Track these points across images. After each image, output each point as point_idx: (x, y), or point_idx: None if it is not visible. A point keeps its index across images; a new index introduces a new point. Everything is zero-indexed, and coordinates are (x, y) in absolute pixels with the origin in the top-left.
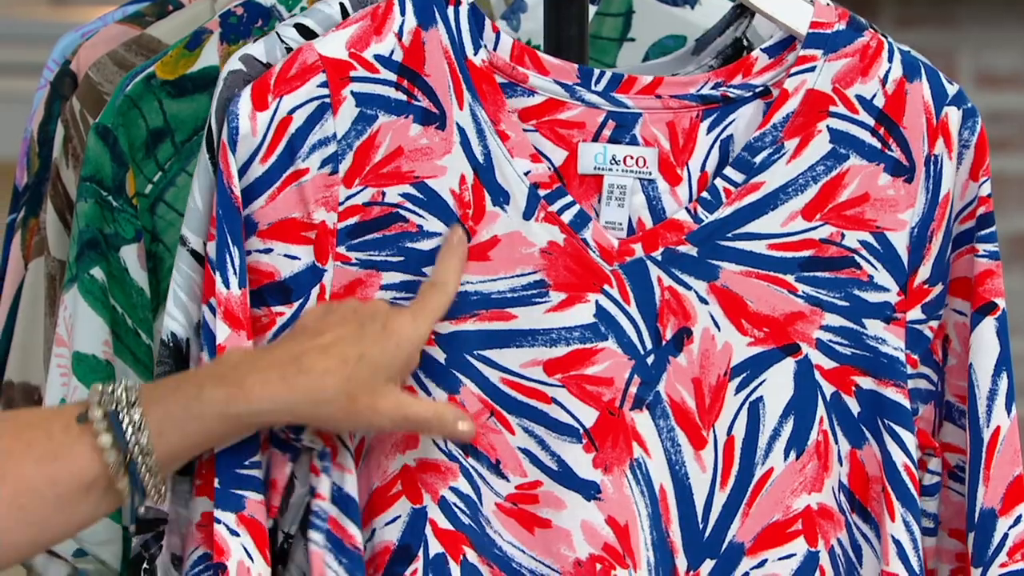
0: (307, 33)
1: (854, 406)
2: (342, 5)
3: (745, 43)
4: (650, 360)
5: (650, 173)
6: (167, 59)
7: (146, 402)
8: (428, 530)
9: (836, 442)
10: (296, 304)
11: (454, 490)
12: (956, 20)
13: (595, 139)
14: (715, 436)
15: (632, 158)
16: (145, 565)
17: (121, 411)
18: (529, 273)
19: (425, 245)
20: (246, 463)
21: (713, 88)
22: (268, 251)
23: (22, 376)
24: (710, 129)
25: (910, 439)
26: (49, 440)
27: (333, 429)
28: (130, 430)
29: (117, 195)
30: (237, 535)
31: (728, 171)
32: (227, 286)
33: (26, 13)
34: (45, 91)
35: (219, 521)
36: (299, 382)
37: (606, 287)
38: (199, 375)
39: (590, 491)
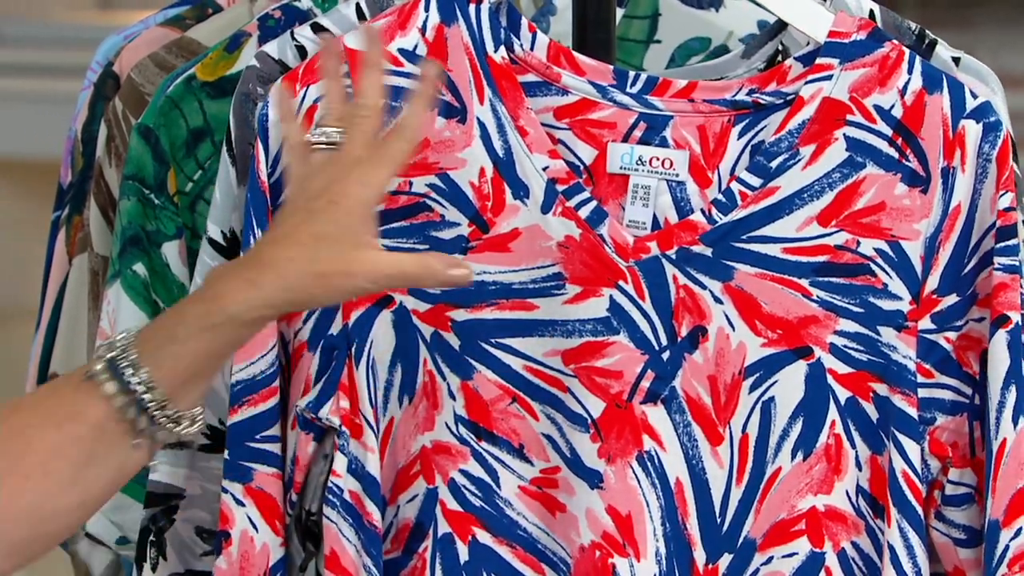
0: (322, 32)
1: (873, 412)
2: (358, 6)
3: (780, 48)
4: (665, 356)
5: (677, 175)
6: (207, 61)
7: (140, 342)
8: (438, 510)
9: (853, 446)
10: None
11: (464, 473)
12: (973, 22)
13: (625, 140)
14: (731, 433)
15: (658, 159)
16: (152, 538)
17: (119, 357)
18: (548, 265)
19: (446, 234)
20: (257, 437)
21: (747, 94)
22: None
23: (67, 368)
24: (741, 134)
25: (912, 447)
26: (63, 404)
27: (321, 305)
28: (129, 371)
29: (159, 193)
30: (243, 505)
31: (744, 175)
32: None
33: (74, 17)
34: (88, 92)
35: (226, 491)
36: (266, 278)
37: (621, 283)
38: (181, 302)
39: (594, 480)
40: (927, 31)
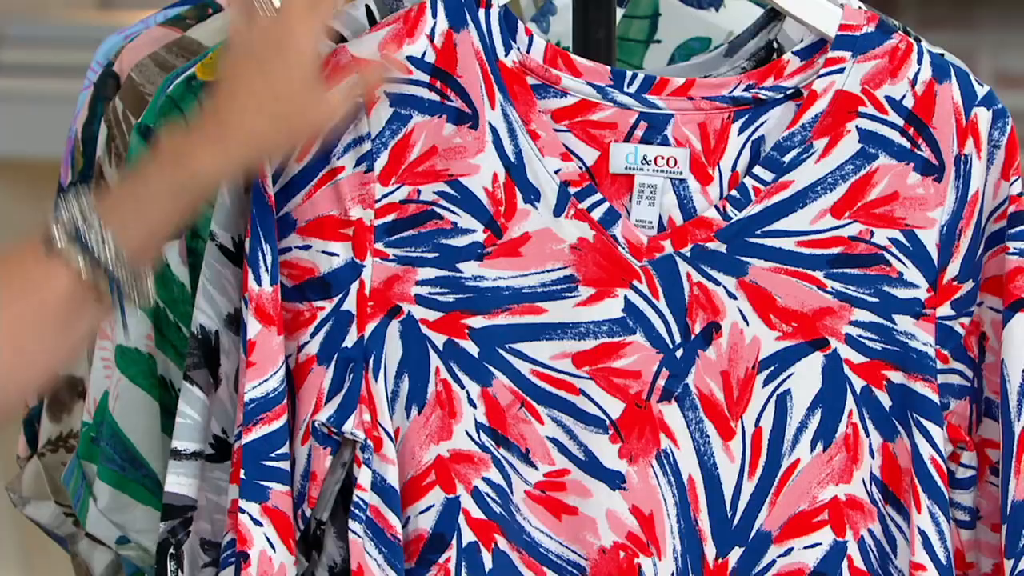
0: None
1: (885, 400)
2: (368, 8)
3: (775, 46)
4: (679, 354)
5: (681, 173)
6: (207, 61)
7: (102, 209)
8: (461, 519)
9: (867, 435)
10: (336, 299)
11: (486, 480)
12: (975, 22)
13: (627, 139)
14: (743, 427)
15: (663, 158)
16: (172, 551)
17: (81, 227)
18: (559, 268)
19: (459, 241)
20: (272, 455)
21: (745, 90)
22: (307, 247)
23: (66, 368)
24: (742, 130)
25: (938, 432)
26: (26, 276)
27: (278, 154)
28: (95, 240)
29: None
30: (260, 525)
31: (757, 170)
32: (259, 283)
33: (74, 17)
34: (89, 92)
35: (243, 511)
36: (229, 133)
37: (635, 283)
38: (139, 168)
39: (615, 481)
40: (910, 29)
